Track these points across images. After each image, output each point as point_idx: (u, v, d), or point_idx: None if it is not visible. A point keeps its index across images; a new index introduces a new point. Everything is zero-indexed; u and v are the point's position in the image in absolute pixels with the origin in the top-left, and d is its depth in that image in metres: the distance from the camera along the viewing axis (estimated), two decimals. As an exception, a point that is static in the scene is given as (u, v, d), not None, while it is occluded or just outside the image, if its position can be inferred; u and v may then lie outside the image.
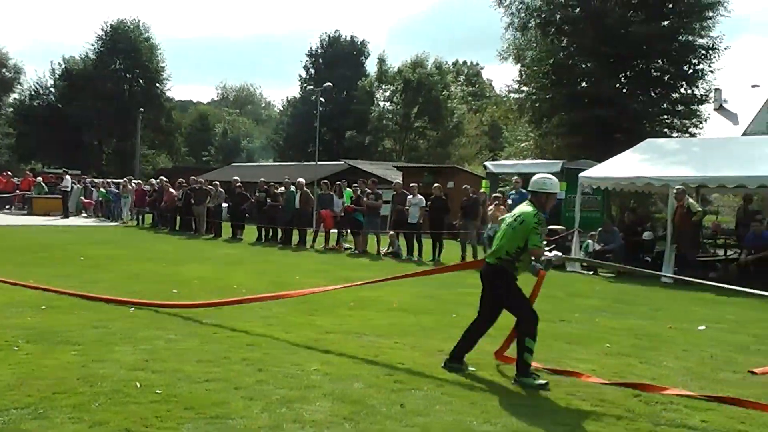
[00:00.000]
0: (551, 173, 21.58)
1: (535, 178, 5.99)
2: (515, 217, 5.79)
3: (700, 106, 28.57)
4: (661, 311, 9.47)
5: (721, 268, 14.50)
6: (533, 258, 5.75)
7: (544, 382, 5.50)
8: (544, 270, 5.82)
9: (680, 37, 27.05)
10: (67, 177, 27.44)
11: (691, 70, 27.45)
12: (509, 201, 15.49)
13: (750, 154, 14.76)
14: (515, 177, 16.66)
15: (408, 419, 4.59)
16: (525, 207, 5.83)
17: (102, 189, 27.92)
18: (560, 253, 6.02)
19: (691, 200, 13.81)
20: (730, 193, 23.14)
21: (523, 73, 30.66)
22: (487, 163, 22.89)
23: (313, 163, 28.42)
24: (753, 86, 62.71)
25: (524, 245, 5.66)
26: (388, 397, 5.03)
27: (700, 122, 28.69)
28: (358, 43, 59.54)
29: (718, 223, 18.49)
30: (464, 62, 70.91)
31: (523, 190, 15.67)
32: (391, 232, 16.88)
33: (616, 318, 8.76)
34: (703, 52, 27.20)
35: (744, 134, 48.70)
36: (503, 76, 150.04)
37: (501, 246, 5.77)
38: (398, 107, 51.60)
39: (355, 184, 18.12)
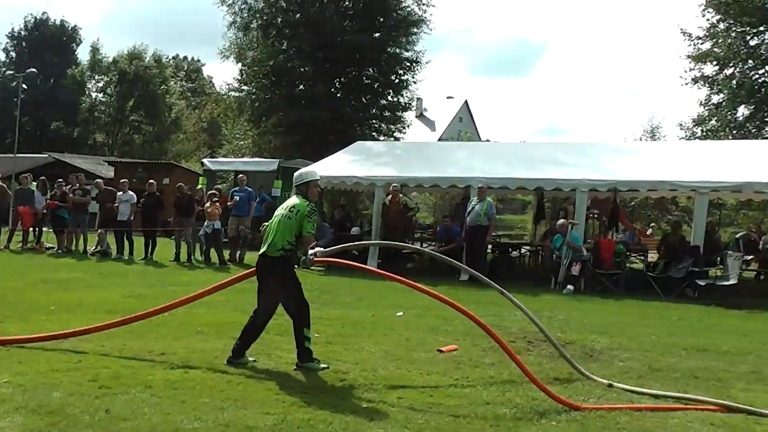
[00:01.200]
0: (268, 171, 21.85)
1: (295, 174, 6.37)
2: (289, 209, 6.07)
3: (404, 113, 31.31)
4: (364, 300, 10.21)
5: (417, 260, 16.14)
6: (307, 248, 6.03)
7: (325, 365, 6.02)
8: (315, 258, 6.11)
9: (389, 49, 29.34)
10: None
11: (397, 80, 29.95)
12: (236, 198, 15.46)
13: (444, 158, 16.67)
14: (241, 175, 16.72)
15: (113, 425, 4.42)
16: (295, 199, 6.13)
17: None
18: (323, 249, 6.29)
19: (406, 198, 15.11)
20: (426, 191, 25.81)
21: (243, 72, 30.82)
22: (205, 160, 22.66)
23: (12, 155, 25.63)
24: (448, 97, 70.51)
25: (300, 234, 5.98)
26: (91, 404, 4.78)
27: (404, 128, 31.51)
28: (69, 28, 55.10)
29: (416, 219, 20.38)
30: (185, 57, 68.98)
31: (248, 188, 15.80)
32: (100, 230, 15.92)
33: (324, 308, 9.22)
34: (408, 64, 29.88)
35: (440, 140, 54.58)
36: (224, 74, 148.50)
37: (282, 237, 5.98)
38: (112, 99, 48.97)
39: (60, 180, 16.82)
